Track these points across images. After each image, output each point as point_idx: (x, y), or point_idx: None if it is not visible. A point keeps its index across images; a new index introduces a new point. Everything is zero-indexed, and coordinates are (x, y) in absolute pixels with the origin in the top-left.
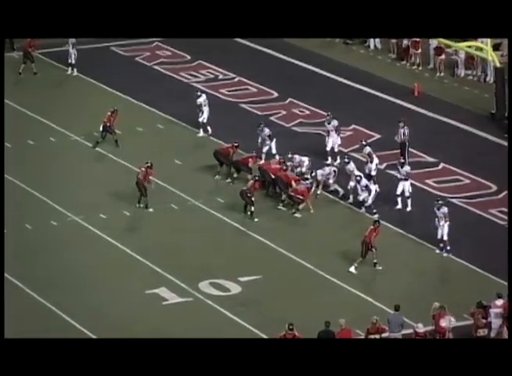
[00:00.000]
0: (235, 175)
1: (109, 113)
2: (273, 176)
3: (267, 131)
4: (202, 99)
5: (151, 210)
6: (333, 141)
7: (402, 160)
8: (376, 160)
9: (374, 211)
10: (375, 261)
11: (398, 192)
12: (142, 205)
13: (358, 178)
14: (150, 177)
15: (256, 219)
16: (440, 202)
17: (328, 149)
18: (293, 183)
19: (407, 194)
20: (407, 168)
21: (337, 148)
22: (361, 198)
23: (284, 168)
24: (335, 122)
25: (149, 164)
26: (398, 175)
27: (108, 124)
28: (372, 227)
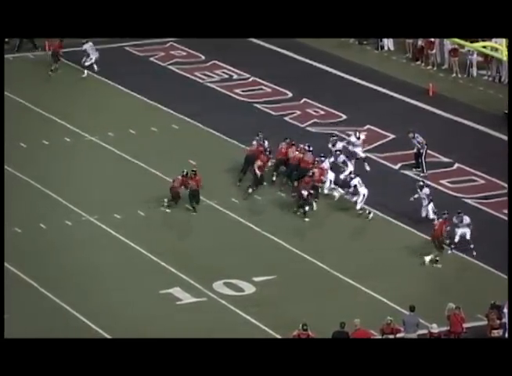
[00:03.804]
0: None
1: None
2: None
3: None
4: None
5: (168, 210)
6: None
7: (421, 183)
8: (350, 168)
9: (367, 211)
10: (437, 258)
11: (423, 215)
12: (167, 207)
13: (352, 176)
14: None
15: (307, 219)
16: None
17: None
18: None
19: (431, 217)
20: (426, 190)
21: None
22: (353, 200)
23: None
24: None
25: (184, 174)
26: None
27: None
28: (441, 221)
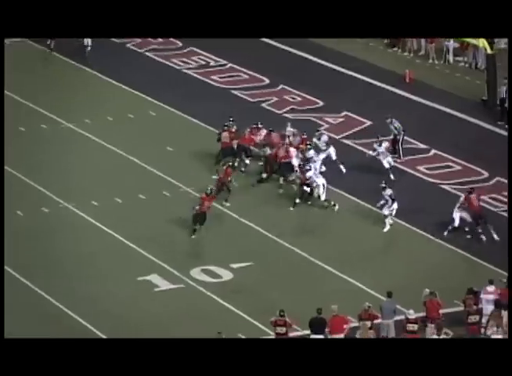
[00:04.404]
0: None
1: None
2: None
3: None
4: None
5: (143, 197)
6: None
7: (383, 185)
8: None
9: (332, 203)
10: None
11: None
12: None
13: (308, 168)
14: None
15: (291, 208)
16: (383, 185)
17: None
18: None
19: (392, 214)
20: (388, 191)
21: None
22: (315, 193)
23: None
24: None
25: (208, 192)
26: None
27: None
28: (474, 195)
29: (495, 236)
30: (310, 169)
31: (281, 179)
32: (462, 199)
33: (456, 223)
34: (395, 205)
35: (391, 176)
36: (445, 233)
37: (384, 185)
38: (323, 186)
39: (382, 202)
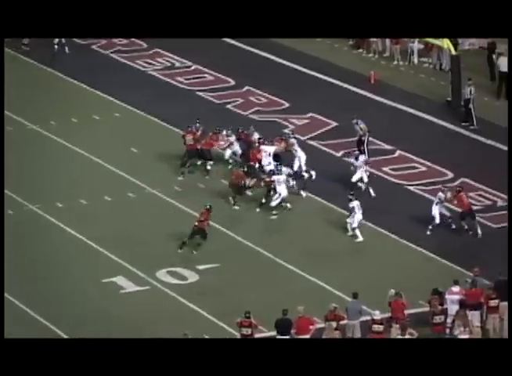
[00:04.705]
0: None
1: None
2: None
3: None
4: None
5: (108, 198)
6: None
7: (350, 197)
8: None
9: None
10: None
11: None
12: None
13: (275, 171)
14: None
15: (258, 209)
16: (350, 197)
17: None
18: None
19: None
20: (356, 203)
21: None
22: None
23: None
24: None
25: (207, 207)
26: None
27: None
28: (464, 194)
29: (479, 232)
30: (275, 173)
31: (208, 165)
32: (441, 196)
33: (437, 220)
34: (360, 216)
35: (371, 192)
36: (428, 233)
37: (350, 196)
38: (280, 195)
39: (351, 214)
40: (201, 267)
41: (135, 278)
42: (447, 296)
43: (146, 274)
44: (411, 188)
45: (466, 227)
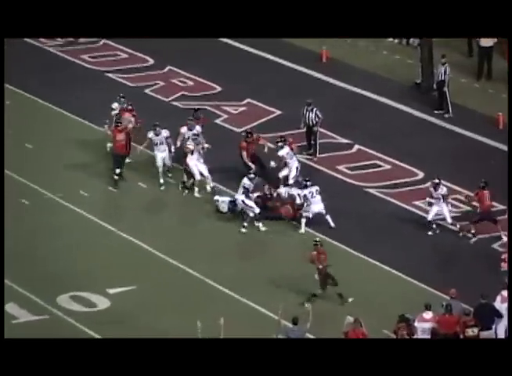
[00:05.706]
0: None
1: None
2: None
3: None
4: None
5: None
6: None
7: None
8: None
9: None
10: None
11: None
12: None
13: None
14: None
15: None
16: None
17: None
18: None
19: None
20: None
21: None
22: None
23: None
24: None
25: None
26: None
27: None
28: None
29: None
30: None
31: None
32: (431, 191)
33: (430, 217)
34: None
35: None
36: (430, 233)
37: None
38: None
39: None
40: (113, 291)
41: (29, 305)
42: (417, 324)
43: (44, 300)
44: (371, 191)
45: (473, 233)
